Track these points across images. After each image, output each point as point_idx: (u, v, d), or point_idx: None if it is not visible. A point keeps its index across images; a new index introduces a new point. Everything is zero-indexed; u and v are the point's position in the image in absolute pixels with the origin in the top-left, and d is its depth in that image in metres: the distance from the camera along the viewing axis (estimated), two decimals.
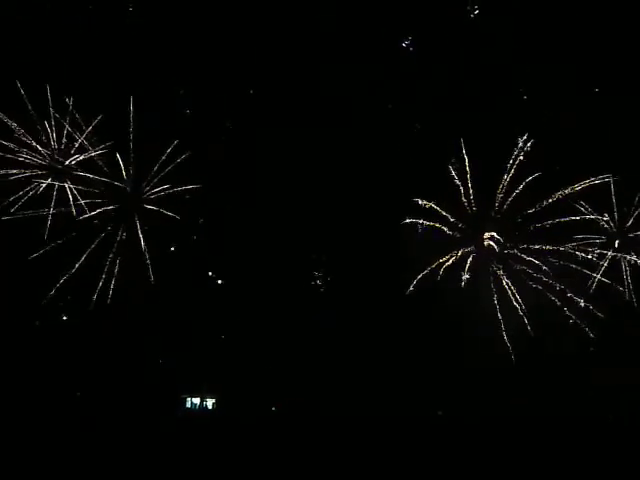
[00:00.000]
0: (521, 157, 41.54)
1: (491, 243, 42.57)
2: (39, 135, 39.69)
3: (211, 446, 33.62)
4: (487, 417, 39.29)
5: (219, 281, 43.40)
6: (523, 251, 42.08)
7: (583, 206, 41.66)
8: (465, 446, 34.14)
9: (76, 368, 40.24)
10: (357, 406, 40.72)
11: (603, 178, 40.84)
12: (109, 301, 40.01)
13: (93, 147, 40.19)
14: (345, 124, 42.00)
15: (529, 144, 41.35)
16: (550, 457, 32.23)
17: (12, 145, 39.10)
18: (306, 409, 41.50)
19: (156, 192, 40.94)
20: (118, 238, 40.77)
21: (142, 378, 40.84)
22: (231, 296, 42.21)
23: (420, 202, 41.62)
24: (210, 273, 43.57)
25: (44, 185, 39.61)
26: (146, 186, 40.94)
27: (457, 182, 41.67)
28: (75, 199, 39.68)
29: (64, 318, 39.79)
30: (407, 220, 41.73)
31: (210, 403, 43.29)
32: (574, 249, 41.54)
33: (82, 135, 40.06)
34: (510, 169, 41.69)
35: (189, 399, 43.17)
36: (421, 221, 41.79)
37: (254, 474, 29.41)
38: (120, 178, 40.61)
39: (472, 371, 40.65)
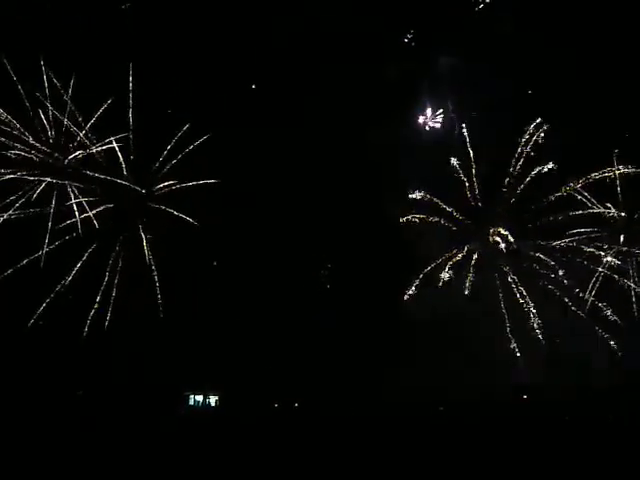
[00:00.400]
0: (527, 149, 41.34)
1: (497, 239, 42.38)
2: (38, 133, 39.67)
3: (214, 443, 33.81)
4: (487, 416, 39.33)
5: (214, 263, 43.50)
6: (528, 247, 41.91)
7: (589, 200, 41.36)
8: (465, 444, 34.13)
9: (78, 366, 40.57)
10: (357, 404, 40.91)
11: (619, 170, 40.54)
12: (112, 300, 40.31)
13: (93, 144, 40.18)
14: (347, 123, 41.85)
15: (534, 137, 41.13)
16: (550, 457, 32.11)
17: (10, 142, 39.18)
18: (307, 407, 41.79)
19: (159, 189, 41.16)
20: (121, 237, 41.01)
21: (145, 375, 41.10)
22: (233, 295, 42.29)
23: (423, 198, 41.65)
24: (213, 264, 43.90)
25: (43, 184, 39.58)
26: (151, 179, 41.10)
27: (462, 177, 41.61)
28: (76, 197, 39.79)
29: (65, 317, 39.93)
30: (410, 217, 41.74)
31: (213, 400, 43.56)
32: (580, 244, 41.31)
33: (82, 132, 40.11)
34: (516, 163, 41.48)
35: (192, 396, 43.40)
36: (424, 217, 41.84)
37: (256, 471, 29.54)
38: (122, 176, 40.75)
39: (472, 370, 40.65)
